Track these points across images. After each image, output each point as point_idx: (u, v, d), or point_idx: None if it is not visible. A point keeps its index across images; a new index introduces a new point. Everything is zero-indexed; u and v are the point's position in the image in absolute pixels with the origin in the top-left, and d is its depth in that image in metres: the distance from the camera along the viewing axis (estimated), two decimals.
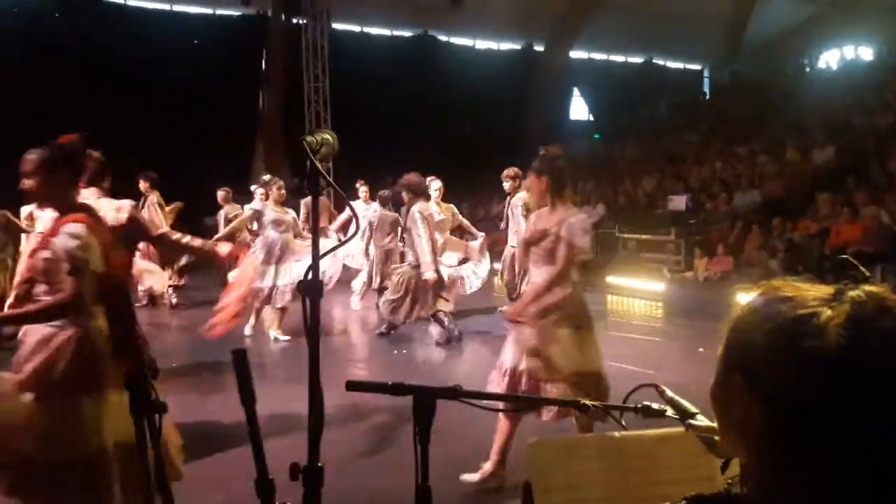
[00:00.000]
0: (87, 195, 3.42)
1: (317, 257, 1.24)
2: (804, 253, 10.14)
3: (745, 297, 0.97)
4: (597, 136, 21.88)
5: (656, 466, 1.71)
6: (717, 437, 1.29)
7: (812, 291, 0.88)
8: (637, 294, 10.58)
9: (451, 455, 4.47)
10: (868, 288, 0.86)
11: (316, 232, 1.29)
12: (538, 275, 3.76)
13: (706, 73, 24.93)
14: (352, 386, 1.43)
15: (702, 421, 1.35)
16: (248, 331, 7.72)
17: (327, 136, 1.36)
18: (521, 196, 8.22)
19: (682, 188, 13.62)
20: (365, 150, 13.77)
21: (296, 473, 1.17)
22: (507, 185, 8.57)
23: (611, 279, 11.29)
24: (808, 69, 21.05)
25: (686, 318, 8.97)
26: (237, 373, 1.16)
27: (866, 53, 20.39)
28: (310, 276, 1.20)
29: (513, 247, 8.42)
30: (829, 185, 11.59)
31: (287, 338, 7.61)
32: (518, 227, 8.32)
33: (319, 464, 1.17)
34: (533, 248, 3.79)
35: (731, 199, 12.74)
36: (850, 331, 0.82)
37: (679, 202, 12.18)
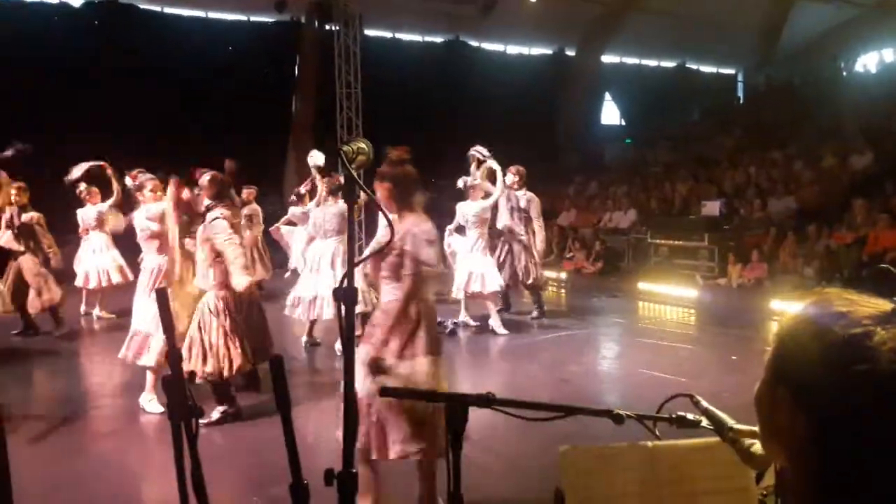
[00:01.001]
0: None
1: (352, 264, 1.26)
2: (841, 261, 9.95)
3: (791, 306, 0.96)
4: (628, 140, 21.71)
5: (689, 477, 1.70)
6: (752, 449, 1.28)
7: (866, 308, 0.86)
8: (669, 301, 10.46)
9: (479, 462, 4.49)
10: None
11: (352, 239, 1.31)
12: (386, 292, 3.45)
13: (740, 78, 24.60)
14: (386, 392, 1.45)
15: (739, 426, 1.33)
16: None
17: (363, 146, 1.38)
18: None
19: (716, 194, 13.45)
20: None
21: (330, 478, 1.19)
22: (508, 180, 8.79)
23: (642, 285, 11.19)
24: (844, 73, 20.65)
25: (719, 325, 8.86)
26: (273, 378, 1.18)
27: None
28: (345, 283, 1.21)
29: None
30: (866, 191, 11.37)
31: (319, 341, 7.67)
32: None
33: (353, 470, 1.18)
34: (382, 263, 3.44)
35: (766, 205, 12.54)
36: None
37: (712, 208, 12.04)
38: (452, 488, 1.42)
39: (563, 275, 12.84)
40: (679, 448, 1.71)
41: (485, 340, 8.13)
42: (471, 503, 3.66)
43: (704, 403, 1.43)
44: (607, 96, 23.19)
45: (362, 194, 1.87)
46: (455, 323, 8.54)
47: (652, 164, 18.10)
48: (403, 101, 17.05)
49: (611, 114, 23.55)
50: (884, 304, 0.87)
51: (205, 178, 5.16)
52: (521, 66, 20.84)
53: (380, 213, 1.51)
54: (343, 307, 1.23)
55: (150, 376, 5.45)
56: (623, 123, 23.37)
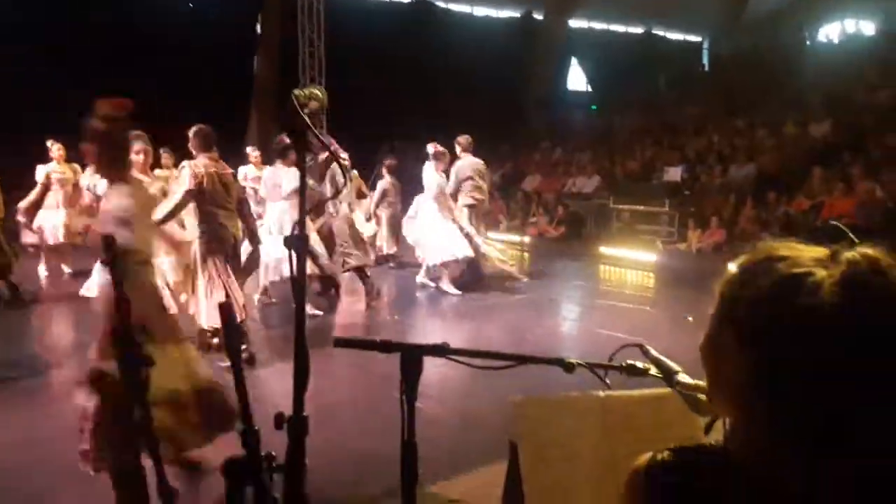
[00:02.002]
0: None
1: (303, 212, 1.24)
2: (797, 226, 10.17)
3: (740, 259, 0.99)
4: (594, 107, 21.75)
5: (640, 426, 1.74)
6: (701, 396, 1.31)
7: (808, 252, 0.90)
8: (630, 264, 10.62)
9: (434, 415, 4.56)
10: (863, 249, 0.88)
11: (303, 185, 1.29)
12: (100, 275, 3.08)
13: (706, 45, 24.73)
14: (339, 342, 1.44)
15: (685, 379, 1.36)
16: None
17: (316, 92, 1.35)
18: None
19: (679, 160, 13.59)
20: (361, 117, 13.68)
21: (280, 423, 1.19)
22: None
23: (604, 249, 11.33)
24: (808, 42, 20.88)
25: (677, 288, 9.03)
26: (223, 325, 1.17)
27: (868, 27, 20.21)
28: (296, 230, 1.20)
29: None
30: (825, 159, 11.58)
31: (274, 301, 7.67)
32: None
33: (304, 414, 1.19)
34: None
35: (727, 171, 12.72)
36: (845, 290, 0.84)
37: (674, 174, 12.18)
38: (406, 436, 1.43)
39: (527, 239, 12.91)
40: (630, 398, 1.75)
41: (447, 303, 8.19)
42: (428, 456, 3.70)
43: (654, 352, 1.45)
44: (574, 62, 23.14)
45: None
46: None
47: (617, 130, 18.19)
48: (368, 63, 16.81)
49: (577, 79, 23.53)
50: (824, 250, 0.90)
51: (192, 129, 5.26)
52: (487, 29, 20.66)
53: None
54: (293, 254, 1.22)
55: None
56: (589, 89, 23.38)
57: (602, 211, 12.97)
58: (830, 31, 21.29)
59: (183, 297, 5.48)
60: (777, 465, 0.87)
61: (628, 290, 9.35)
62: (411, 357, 1.41)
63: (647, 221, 11.92)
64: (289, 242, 1.20)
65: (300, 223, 1.20)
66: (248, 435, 1.13)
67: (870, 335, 0.84)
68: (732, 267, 0.97)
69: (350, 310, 7.97)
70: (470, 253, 8.46)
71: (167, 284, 5.52)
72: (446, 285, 8.53)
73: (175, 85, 14.29)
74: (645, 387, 1.75)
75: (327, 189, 7.85)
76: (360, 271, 7.86)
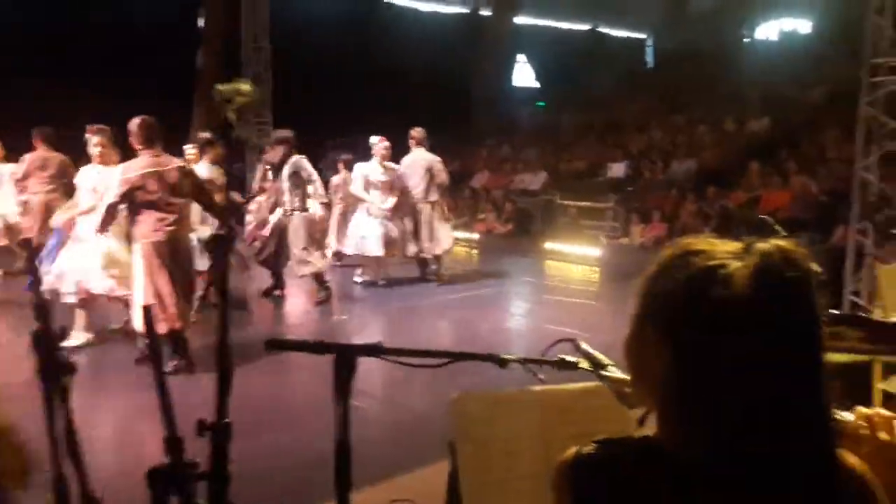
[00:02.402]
0: None
1: (227, 213, 1.21)
2: (736, 220, 10.45)
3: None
4: (541, 103, 21.93)
5: (576, 420, 1.76)
6: (626, 388, 1.33)
7: (723, 245, 0.93)
8: (575, 259, 10.77)
9: (379, 415, 4.55)
10: (775, 241, 0.91)
11: (231, 185, 1.26)
12: None
13: (649, 43, 25.18)
14: (272, 344, 1.42)
15: (614, 372, 1.38)
16: None
17: (244, 87, 1.32)
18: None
19: (622, 156, 13.81)
20: (308, 112, 13.52)
21: (202, 429, 1.16)
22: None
23: (550, 245, 11.45)
24: (747, 40, 21.45)
25: (621, 282, 9.19)
26: (146, 330, 1.13)
27: (804, 26, 20.84)
28: (222, 229, 1.17)
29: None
30: (762, 154, 11.92)
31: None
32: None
33: (227, 420, 1.16)
34: None
35: (669, 167, 12.99)
36: (757, 281, 0.87)
37: (618, 170, 12.38)
38: (340, 437, 1.41)
39: (475, 235, 12.96)
40: (566, 392, 1.77)
41: (395, 300, 8.17)
42: (372, 456, 3.68)
43: (585, 347, 1.47)
44: (521, 58, 23.29)
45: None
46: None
47: (563, 127, 18.39)
48: (315, 58, 16.60)
49: (525, 76, 23.70)
50: (739, 244, 0.93)
51: (134, 122, 5.06)
52: (434, 25, 20.63)
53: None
54: (218, 252, 1.19)
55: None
56: (536, 86, 23.57)
57: (549, 207, 13.09)
58: (768, 30, 21.88)
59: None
60: (699, 453, 0.89)
61: (574, 284, 9.47)
62: (345, 358, 1.39)
63: (592, 217, 12.08)
64: (210, 243, 1.17)
65: (224, 223, 1.17)
66: (172, 443, 1.10)
67: (781, 324, 0.86)
68: (653, 260, 1.00)
69: (295, 310, 7.87)
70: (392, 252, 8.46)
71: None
72: (369, 276, 8.66)
73: (116, 80, 13.88)
74: (585, 381, 1.78)
75: (285, 185, 7.62)
76: (317, 277, 7.65)
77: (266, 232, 7.59)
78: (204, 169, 6.63)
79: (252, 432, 4.22)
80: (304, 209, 7.41)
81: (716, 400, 0.87)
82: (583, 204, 12.24)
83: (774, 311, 0.86)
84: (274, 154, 7.51)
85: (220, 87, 1.26)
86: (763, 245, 0.90)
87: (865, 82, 6.34)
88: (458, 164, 17.40)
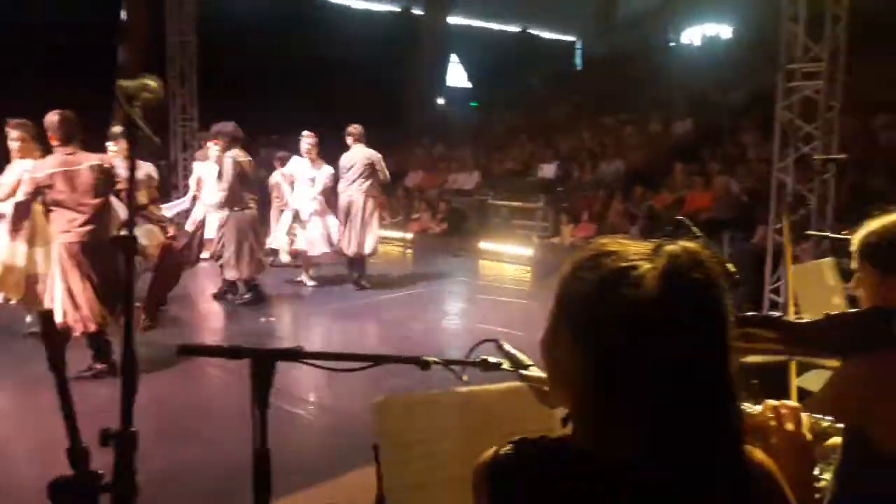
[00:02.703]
0: None
1: (132, 212, 1.16)
2: (661, 220, 10.75)
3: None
4: (474, 103, 22.08)
5: (500, 419, 1.76)
6: (545, 388, 1.34)
7: (634, 247, 0.94)
8: (507, 259, 10.89)
9: (310, 420, 4.48)
10: (683, 243, 0.93)
11: (132, 184, 1.21)
12: None
13: (578, 45, 25.67)
14: (185, 350, 1.37)
15: (535, 373, 1.39)
16: None
17: (149, 83, 1.27)
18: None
19: (553, 157, 14.03)
20: (236, 111, 13.18)
21: (106, 439, 1.11)
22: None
23: (483, 245, 11.54)
24: (672, 44, 22.12)
25: (552, 281, 9.31)
26: (43, 336, 1.07)
27: (725, 32, 21.62)
28: (124, 231, 1.12)
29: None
30: (686, 156, 12.31)
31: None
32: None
33: (132, 428, 1.11)
34: None
35: (597, 168, 13.27)
36: (665, 281, 0.88)
37: (548, 170, 12.55)
38: (259, 444, 1.38)
39: (409, 235, 12.95)
40: (490, 392, 1.77)
41: (328, 300, 8.08)
42: (304, 461, 3.61)
43: (507, 347, 1.48)
44: (454, 58, 23.40)
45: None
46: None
47: (496, 127, 18.56)
48: (244, 54, 16.25)
49: (458, 76, 23.82)
50: (651, 244, 0.94)
51: (51, 117, 4.87)
52: (366, 23, 20.49)
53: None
54: (122, 255, 1.14)
55: None
56: (469, 86, 23.72)
57: (482, 207, 13.19)
58: (692, 35, 22.59)
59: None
60: (613, 450, 0.90)
61: (507, 284, 9.57)
62: (263, 363, 1.35)
63: (523, 217, 12.22)
64: (116, 243, 1.11)
65: (129, 224, 1.12)
66: (74, 454, 1.05)
67: (689, 325, 0.88)
68: (570, 260, 1.00)
69: (222, 313, 7.68)
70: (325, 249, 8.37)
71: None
72: (306, 277, 8.56)
73: (35, 78, 13.28)
74: (511, 381, 1.78)
75: (218, 185, 7.43)
76: (246, 280, 7.48)
77: (212, 233, 7.47)
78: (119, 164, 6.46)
79: (178, 439, 4.10)
80: (236, 208, 7.26)
81: (626, 400, 0.89)
82: (515, 204, 12.38)
83: (682, 312, 0.88)
84: (203, 153, 7.35)
85: (123, 83, 1.20)
86: (671, 247, 0.91)
87: (781, 87, 6.60)
88: (391, 164, 17.34)
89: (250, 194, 7.45)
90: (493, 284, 9.44)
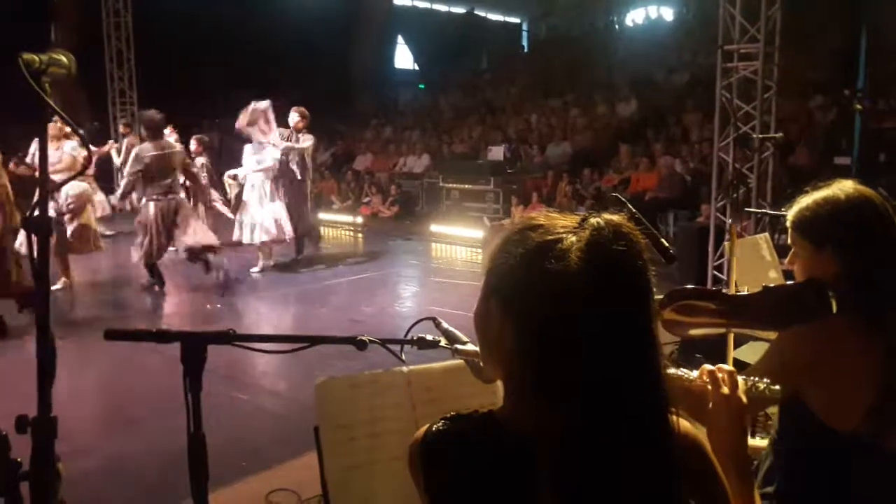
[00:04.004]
0: None
1: (45, 193, 1.11)
2: (610, 201, 10.89)
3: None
4: (422, 86, 21.95)
5: (443, 397, 1.76)
6: (481, 363, 1.33)
7: (562, 220, 0.94)
8: (459, 241, 10.89)
9: (258, 404, 4.43)
10: (607, 216, 0.93)
11: (44, 163, 1.15)
12: None
13: (525, 27, 25.70)
14: (111, 335, 1.32)
15: (470, 347, 1.39)
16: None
17: (60, 57, 1.20)
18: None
19: (501, 139, 14.06)
20: (176, 91, 12.86)
21: (23, 426, 1.06)
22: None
23: (435, 228, 11.52)
24: (617, 26, 22.32)
25: None
26: None
27: (668, 13, 21.91)
28: (37, 212, 1.07)
29: None
30: (631, 137, 12.49)
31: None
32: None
33: (51, 415, 1.07)
34: None
35: (545, 150, 13.36)
36: (589, 254, 0.88)
37: (497, 153, 12.58)
38: (193, 429, 1.34)
39: (360, 219, 12.85)
40: (433, 371, 1.76)
41: (278, 286, 7.97)
42: (253, 446, 3.56)
43: (445, 325, 1.47)
44: (400, 40, 23.19)
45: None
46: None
47: (444, 109, 18.50)
48: (183, 35, 15.77)
49: (404, 58, 23.62)
50: (577, 218, 0.94)
51: None
52: (310, 4, 20.06)
53: None
54: (35, 239, 1.08)
55: None
56: (416, 68, 23.56)
57: (432, 190, 13.16)
58: (636, 16, 22.82)
59: None
60: (540, 423, 0.90)
61: (458, 266, 9.58)
62: (194, 346, 1.32)
63: (474, 199, 12.24)
64: (29, 225, 1.06)
65: (42, 205, 1.07)
66: None
67: (611, 297, 0.88)
68: (500, 233, 1.00)
69: (172, 299, 7.51)
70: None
71: None
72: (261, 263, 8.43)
73: None
74: (454, 360, 1.78)
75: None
76: (149, 266, 7.30)
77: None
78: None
79: (121, 429, 4.01)
80: (156, 197, 7.07)
81: (552, 372, 0.89)
82: (465, 187, 12.39)
83: (604, 285, 0.88)
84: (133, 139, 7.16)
85: (27, 56, 1.13)
86: (595, 219, 0.92)
87: (720, 68, 6.72)
88: (340, 147, 17.19)
89: (168, 182, 7.16)
90: (444, 267, 9.45)
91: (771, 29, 6.45)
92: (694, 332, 1.83)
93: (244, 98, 8.33)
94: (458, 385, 1.73)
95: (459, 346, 1.37)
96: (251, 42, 16.94)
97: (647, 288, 0.92)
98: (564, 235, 0.90)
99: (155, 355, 5.11)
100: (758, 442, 2.07)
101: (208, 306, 7.06)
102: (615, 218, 0.93)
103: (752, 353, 2.96)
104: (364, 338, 1.36)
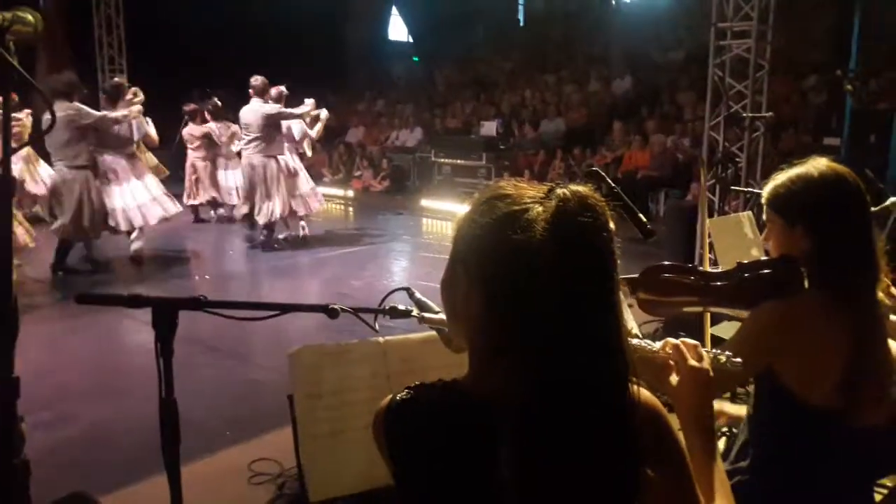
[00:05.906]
0: None
1: (8, 154, 1.10)
2: (602, 178, 10.86)
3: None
4: (416, 59, 21.73)
5: (419, 367, 1.77)
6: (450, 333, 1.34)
7: (529, 190, 0.94)
8: (450, 217, 10.85)
9: (240, 374, 4.45)
10: (574, 187, 0.93)
11: (7, 127, 1.13)
12: None
13: (521, 1, 25.41)
14: (82, 299, 1.32)
15: (440, 316, 1.39)
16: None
17: (25, 15, 1.18)
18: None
19: (494, 114, 13.97)
20: (168, 63, 12.71)
21: None
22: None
23: (426, 202, 11.51)
24: (613, 2, 22.09)
25: None
26: None
27: None
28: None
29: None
30: (625, 114, 12.43)
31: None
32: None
33: (15, 375, 1.07)
34: None
35: (538, 126, 13.29)
36: (554, 225, 0.88)
37: (490, 128, 12.50)
38: (164, 394, 1.35)
39: (351, 192, 12.81)
40: (409, 341, 1.77)
41: (268, 259, 7.95)
42: (234, 416, 3.57)
43: (418, 295, 1.47)
44: (394, 11, 22.91)
45: None
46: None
47: (438, 83, 18.35)
48: (176, 5, 15.55)
49: (398, 30, 23.36)
50: (544, 188, 0.94)
51: None
52: None
53: None
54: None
55: None
56: (410, 40, 23.30)
57: (424, 164, 13.11)
58: None
59: None
60: (502, 391, 0.91)
61: (448, 241, 9.53)
62: (164, 312, 1.32)
63: (466, 175, 12.20)
64: None
65: (4, 166, 1.06)
66: None
67: (575, 267, 0.88)
68: (468, 202, 1.00)
69: (156, 271, 7.49)
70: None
71: None
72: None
73: None
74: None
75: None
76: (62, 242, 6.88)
77: None
78: None
79: (101, 398, 4.03)
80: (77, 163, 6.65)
81: (515, 342, 0.89)
82: (457, 162, 12.34)
83: (567, 255, 0.88)
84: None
85: None
86: (562, 190, 0.91)
87: (713, 46, 6.68)
88: (332, 119, 17.02)
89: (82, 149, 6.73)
90: (434, 242, 9.44)
91: (765, 6, 6.41)
92: (671, 311, 1.84)
93: (234, 68, 8.23)
94: (434, 356, 1.74)
95: (427, 315, 1.37)
96: (243, 11, 16.71)
97: (610, 259, 0.92)
98: (531, 205, 0.90)
99: (147, 328, 5.14)
100: (736, 409, 2.09)
101: (196, 277, 7.06)
102: (582, 189, 0.93)
103: (730, 329, 2.98)
104: (336, 306, 1.36)
